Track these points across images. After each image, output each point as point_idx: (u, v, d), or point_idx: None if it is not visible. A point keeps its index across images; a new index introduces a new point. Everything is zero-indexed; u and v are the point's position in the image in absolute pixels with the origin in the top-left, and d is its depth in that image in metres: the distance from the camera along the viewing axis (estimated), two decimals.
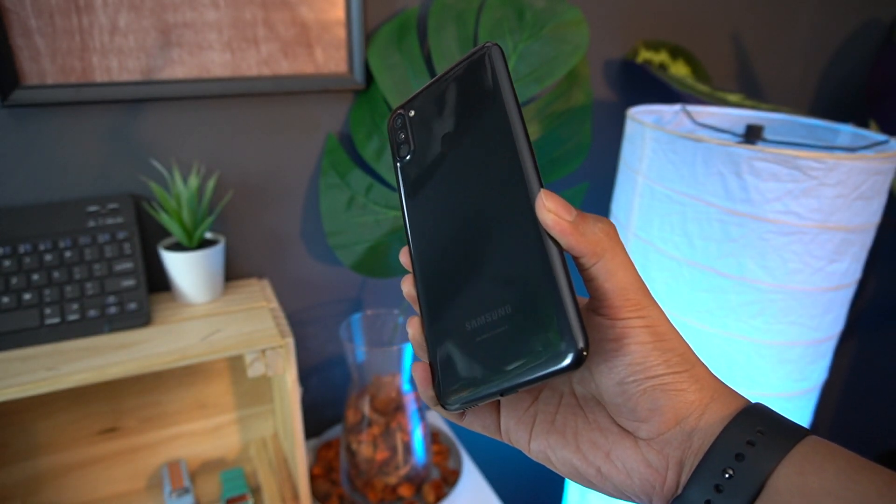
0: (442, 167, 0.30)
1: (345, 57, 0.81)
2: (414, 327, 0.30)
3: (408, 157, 0.32)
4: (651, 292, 0.28)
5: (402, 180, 0.32)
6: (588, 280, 0.27)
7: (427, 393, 0.29)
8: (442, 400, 0.28)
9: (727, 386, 0.28)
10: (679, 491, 0.26)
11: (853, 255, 0.70)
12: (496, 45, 0.29)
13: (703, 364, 0.28)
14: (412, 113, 0.32)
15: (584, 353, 0.24)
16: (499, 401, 0.31)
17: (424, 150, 0.31)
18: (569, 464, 0.29)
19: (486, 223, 0.28)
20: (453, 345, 0.28)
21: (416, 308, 0.31)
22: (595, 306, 0.27)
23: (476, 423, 0.31)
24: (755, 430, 0.25)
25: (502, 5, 0.81)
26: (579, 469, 0.29)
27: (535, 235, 0.26)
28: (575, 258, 0.27)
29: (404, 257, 0.31)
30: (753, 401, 0.27)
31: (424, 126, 0.32)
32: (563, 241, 0.26)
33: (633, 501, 0.28)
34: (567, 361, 0.24)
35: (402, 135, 0.32)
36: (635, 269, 0.28)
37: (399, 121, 0.33)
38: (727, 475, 0.25)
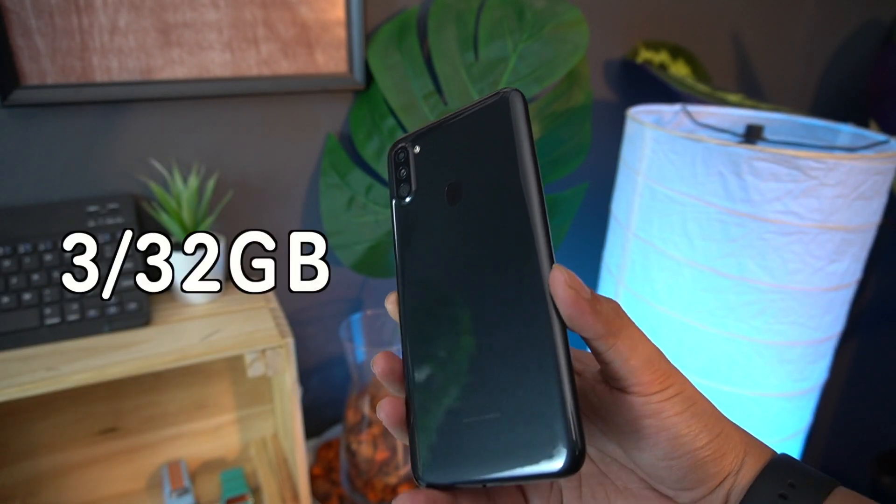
0: (442, 219, 0.28)
1: (345, 57, 0.81)
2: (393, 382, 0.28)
3: (407, 200, 0.30)
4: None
5: (398, 222, 0.30)
6: (607, 363, 0.26)
7: (397, 430, 0.28)
8: (417, 473, 0.26)
9: (749, 434, 0.28)
10: None
11: (853, 255, 0.70)
12: (518, 91, 0.27)
13: (724, 415, 0.28)
14: (417, 149, 0.30)
15: (581, 461, 0.23)
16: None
17: (425, 196, 0.29)
18: None
19: (486, 292, 0.26)
20: (438, 419, 0.26)
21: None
22: (622, 386, 0.26)
23: None
24: (786, 482, 0.26)
25: (502, 5, 0.81)
26: None
27: (541, 314, 0.24)
28: (589, 341, 0.25)
29: (392, 305, 0.29)
30: (778, 449, 0.28)
31: (429, 168, 0.29)
32: (578, 321, 0.24)
33: None
34: (560, 468, 0.22)
35: (404, 172, 0.30)
36: (650, 340, 0.27)
37: (402, 155, 0.30)
38: None
